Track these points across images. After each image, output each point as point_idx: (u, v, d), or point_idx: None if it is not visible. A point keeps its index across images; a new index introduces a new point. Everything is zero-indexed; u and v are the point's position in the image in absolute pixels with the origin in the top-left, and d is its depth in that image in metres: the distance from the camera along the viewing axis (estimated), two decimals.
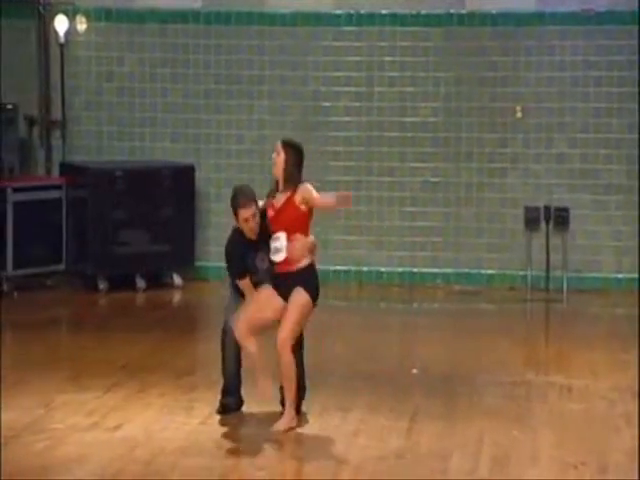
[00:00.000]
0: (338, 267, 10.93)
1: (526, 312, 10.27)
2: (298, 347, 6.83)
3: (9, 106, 10.55)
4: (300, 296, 6.73)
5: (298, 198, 6.73)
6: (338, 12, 10.89)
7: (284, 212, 6.74)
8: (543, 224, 10.61)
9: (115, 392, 7.28)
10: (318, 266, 10.71)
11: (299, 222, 6.76)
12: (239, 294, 6.91)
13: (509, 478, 5.91)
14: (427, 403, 7.19)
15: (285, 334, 6.62)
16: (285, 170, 6.80)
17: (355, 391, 7.36)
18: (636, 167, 10.50)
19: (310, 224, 6.84)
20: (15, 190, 10.17)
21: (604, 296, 10.42)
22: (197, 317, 10.32)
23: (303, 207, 6.74)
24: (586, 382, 7.65)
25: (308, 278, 6.79)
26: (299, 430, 6.64)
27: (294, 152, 6.87)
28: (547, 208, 10.60)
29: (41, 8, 10.92)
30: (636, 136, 10.49)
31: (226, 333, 6.89)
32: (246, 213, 6.80)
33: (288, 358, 6.59)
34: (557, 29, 10.60)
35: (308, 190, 6.73)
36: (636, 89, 10.48)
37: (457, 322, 9.79)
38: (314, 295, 6.80)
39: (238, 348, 6.81)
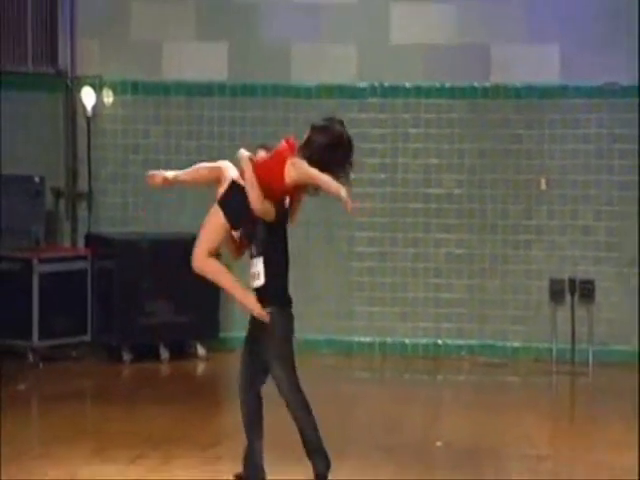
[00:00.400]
0: (362, 338, 10.97)
1: (551, 385, 10.27)
2: (306, 412, 6.35)
3: (36, 179, 10.69)
4: (214, 216, 6.24)
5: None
6: (362, 84, 11.06)
7: None
8: (568, 296, 10.65)
9: (139, 464, 7.31)
10: (342, 337, 10.91)
11: None
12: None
13: None
14: (452, 476, 7.19)
15: (196, 249, 6.17)
16: None
17: (378, 463, 7.38)
18: None
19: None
20: (41, 261, 10.29)
21: (630, 369, 10.41)
22: (221, 388, 10.38)
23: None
24: (611, 457, 7.67)
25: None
26: None
27: None
28: (572, 280, 10.66)
29: (69, 81, 11.12)
30: None
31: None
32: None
33: (210, 267, 6.13)
34: (581, 102, 10.71)
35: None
36: None
37: (482, 395, 9.79)
38: (286, 337, 6.24)
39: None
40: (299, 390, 6.32)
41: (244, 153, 6.40)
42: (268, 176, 6.19)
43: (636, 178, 10.64)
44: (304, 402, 6.31)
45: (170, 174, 6.55)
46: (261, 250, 6.27)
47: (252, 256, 6.31)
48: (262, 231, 6.29)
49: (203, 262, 6.25)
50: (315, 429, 6.31)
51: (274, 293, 6.30)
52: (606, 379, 10.13)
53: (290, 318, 6.36)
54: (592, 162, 10.73)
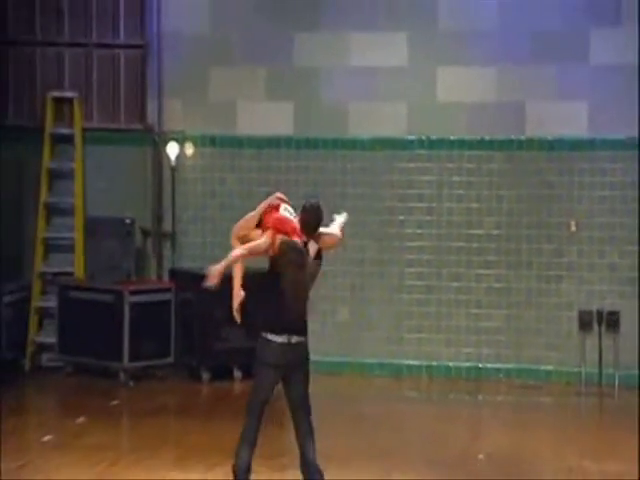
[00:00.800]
0: (411, 362, 10.93)
1: (580, 406, 10.18)
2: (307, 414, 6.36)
3: (127, 220, 10.82)
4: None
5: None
6: (411, 137, 11.06)
7: None
8: (596, 326, 10.57)
9: (216, 472, 7.36)
10: (392, 360, 10.84)
11: None
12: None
13: None
14: None
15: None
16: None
17: (425, 475, 7.36)
18: None
19: None
20: (131, 293, 10.38)
21: None
22: (285, 405, 10.39)
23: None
24: (633, 468, 7.60)
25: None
26: None
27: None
28: (599, 312, 10.58)
29: (156, 136, 11.22)
30: None
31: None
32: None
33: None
34: (608, 154, 10.65)
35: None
36: None
37: (518, 413, 9.75)
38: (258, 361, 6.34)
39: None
40: (247, 412, 6.37)
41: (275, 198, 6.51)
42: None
43: None
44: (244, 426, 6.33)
45: (221, 266, 6.56)
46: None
47: None
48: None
49: (234, 242, 6.39)
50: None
51: (264, 320, 6.44)
52: (630, 400, 10.01)
53: (268, 345, 6.40)
54: (617, 207, 10.65)
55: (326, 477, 6.94)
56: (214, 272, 6.47)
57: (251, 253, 6.51)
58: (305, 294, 6.50)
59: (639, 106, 10.42)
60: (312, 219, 6.49)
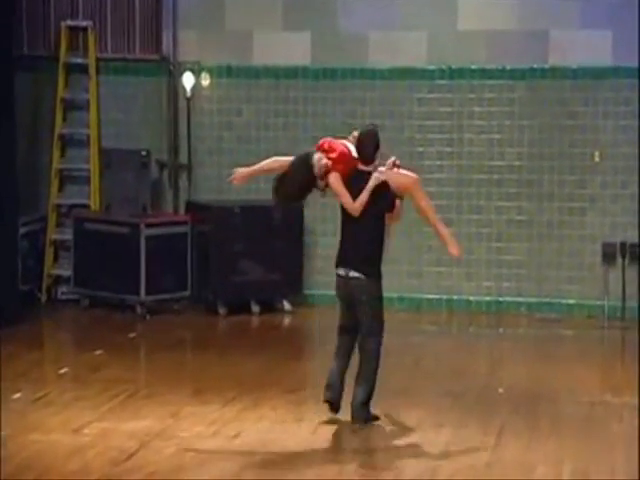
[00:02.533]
0: (430, 295, 10.89)
1: (603, 339, 10.11)
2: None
3: (143, 152, 10.74)
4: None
5: None
6: (431, 67, 10.91)
7: None
8: (619, 258, 10.45)
9: (233, 405, 7.37)
10: (412, 294, 10.85)
11: None
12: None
13: None
14: (512, 420, 7.16)
15: None
16: None
17: (447, 408, 7.36)
18: None
19: None
20: (147, 226, 10.32)
21: None
22: (305, 339, 10.40)
23: None
24: None
25: None
26: (395, 442, 6.66)
27: None
28: (623, 244, 10.44)
29: (171, 67, 11.12)
30: None
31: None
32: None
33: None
34: (632, 82, 10.45)
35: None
36: None
37: (539, 347, 9.70)
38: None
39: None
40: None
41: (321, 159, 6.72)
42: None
43: None
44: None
45: (250, 169, 7.01)
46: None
47: None
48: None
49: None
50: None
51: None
52: None
53: (336, 278, 6.86)
54: None
55: (342, 411, 6.86)
56: (241, 172, 6.87)
57: (281, 165, 6.80)
58: (359, 227, 6.64)
59: None
60: (369, 143, 6.71)
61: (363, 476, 6.04)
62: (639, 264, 10.45)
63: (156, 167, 11.06)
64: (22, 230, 10.44)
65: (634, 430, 6.96)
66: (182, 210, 11.07)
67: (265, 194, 11.20)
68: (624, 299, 10.45)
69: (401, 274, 10.93)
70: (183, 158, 11.19)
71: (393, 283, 10.75)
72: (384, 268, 10.89)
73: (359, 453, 6.43)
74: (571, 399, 7.72)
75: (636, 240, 10.45)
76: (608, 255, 10.47)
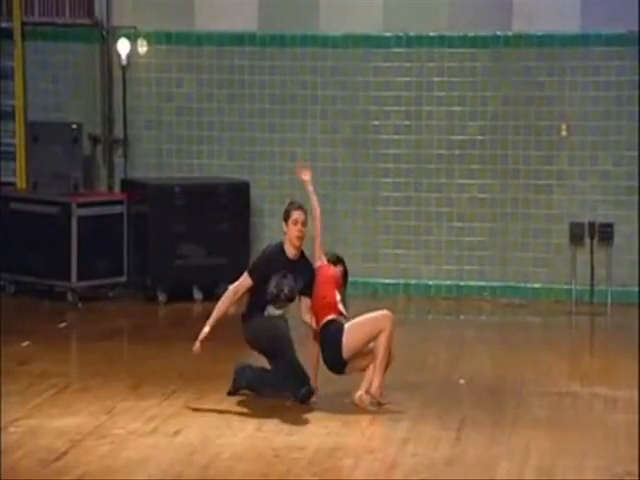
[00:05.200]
0: (387, 280, 10.93)
1: (571, 325, 10.20)
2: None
3: (74, 126, 10.67)
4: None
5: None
6: (388, 34, 10.90)
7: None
8: (588, 239, 10.53)
9: (173, 399, 7.34)
10: (367, 279, 10.87)
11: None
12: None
13: None
14: (474, 413, 7.18)
15: None
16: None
17: (404, 400, 7.36)
18: None
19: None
20: (79, 205, 10.25)
21: None
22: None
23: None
24: (630, 393, 7.59)
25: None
26: (350, 437, 6.66)
27: None
28: (591, 224, 10.52)
29: (104, 32, 11.04)
30: None
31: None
32: (299, 216, 7.32)
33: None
34: (602, 50, 10.53)
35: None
36: None
37: (503, 334, 9.75)
38: None
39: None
40: None
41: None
42: None
43: None
44: None
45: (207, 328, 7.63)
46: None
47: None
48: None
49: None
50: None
51: None
52: (624, 319, 10.04)
53: None
54: (612, 109, 10.58)
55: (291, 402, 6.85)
56: (203, 335, 7.56)
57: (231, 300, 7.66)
58: None
59: None
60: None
61: (314, 475, 6.02)
62: (608, 245, 10.55)
63: (88, 142, 11.01)
64: None
65: (604, 422, 7.01)
66: (117, 188, 11.01)
67: (208, 170, 11.20)
68: (593, 282, 10.54)
69: (355, 257, 10.89)
70: (118, 132, 11.11)
71: (347, 266, 10.78)
72: (335, 250, 10.92)
73: (308, 450, 6.41)
74: (537, 390, 7.74)
75: (606, 220, 10.53)
76: (576, 236, 10.55)
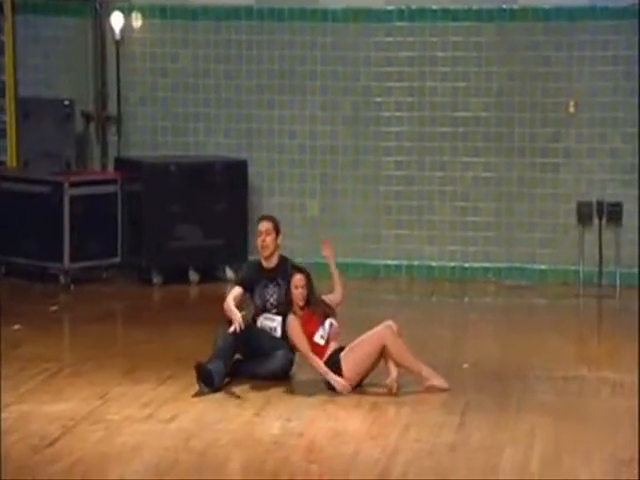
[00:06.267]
0: (389, 261, 10.92)
1: (579, 308, 10.20)
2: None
3: (66, 102, 10.66)
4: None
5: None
6: (390, 8, 10.87)
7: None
8: (596, 219, 10.52)
9: (169, 384, 7.35)
10: (368, 260, 10.89)
11: None
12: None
13: (561, 473, 5.89)
14: (478, 398, 7.19)
15: None
16: None
17: (406, 385, 7.35)
18: None
19: None
20: (71, 185, 10.23)
21: None
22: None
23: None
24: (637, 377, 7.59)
25: None
26: (351, 423, 6.67)
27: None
28: (600, 203, 10.51)
29: (97, 5, 11.02)
30: None
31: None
32: (261, 226, 7.54)
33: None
34: (611, 24, 10.49)
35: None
36: None
37: (509, 317, 9.77)
38: None
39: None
40: None
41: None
42: None
43: None
44: None
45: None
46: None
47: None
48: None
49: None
50: None
51: None
52: (632, 301, 10.01)
53: None
54: (621, 84, 10.55)
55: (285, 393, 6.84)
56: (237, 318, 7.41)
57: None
58: None
59: None
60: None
61: (313, 462, 6.02)
62: (617, 225, 10.54)
63: (81, 119, 10.99)
64: None
65: (611, 408, 7.02)
66: (111, 167, 11.01)
67: (204, 149, 11.20)
68: (601, 263, 10.53)
69: (356, 238, 10.96)
70: (112, 109, 11.11)
71: (347, 248, 10.82)
72: (337, 231, 10.95)
73: (308, 436, 6.41)
74: (543, 374, 7.75)
75: (614, 199, 10.52)
76: (584, 215, 10.54)
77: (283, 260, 7.63)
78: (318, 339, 7.25)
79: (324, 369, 7.13)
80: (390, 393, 7.13)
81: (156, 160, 10.80)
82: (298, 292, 7.32)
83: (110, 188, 10.47)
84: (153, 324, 9.10)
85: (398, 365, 7.16)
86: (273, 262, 7.59)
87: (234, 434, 6.42)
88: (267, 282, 7.53)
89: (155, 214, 10.41)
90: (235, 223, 10.66)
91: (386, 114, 10.92)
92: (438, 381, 7.22)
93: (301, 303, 7.31)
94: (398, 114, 10.85)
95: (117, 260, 10.52)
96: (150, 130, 11.09)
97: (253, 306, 7.62)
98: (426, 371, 7.22)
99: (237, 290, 7.58)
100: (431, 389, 7.18)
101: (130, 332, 9.01)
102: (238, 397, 7.09)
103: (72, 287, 10.16)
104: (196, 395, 7.10)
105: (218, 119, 11.08)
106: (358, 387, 7.19)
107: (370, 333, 7.27)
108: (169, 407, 6.88)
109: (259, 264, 7.64)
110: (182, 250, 10.47)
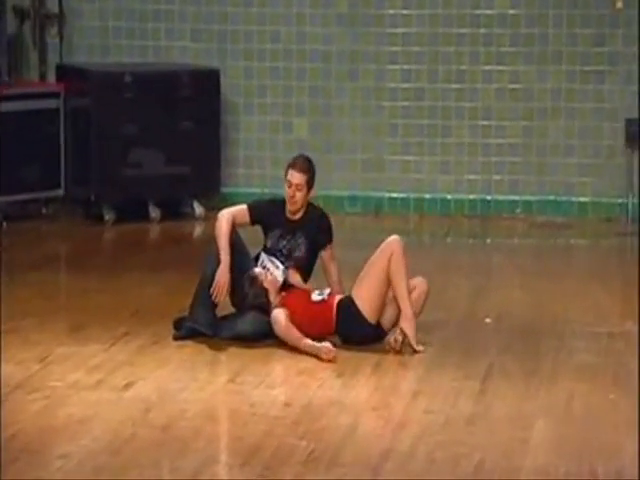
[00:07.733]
0: (394, 194, 11.00)
1: (625, 249, 10.28)
2: None
3: None
4: None
5: None
6: None
7: None
8: None
9: (125, 344, 7.40)
10: (369, 192, 10.93)
11: None
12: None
13: (604, 451, 5.93)
14: (503, 359, 7.24)
15: None
16: None
17: (417, 341, 7.38)
18: None
19: None
20: (3, 98, 10.28)
21: None
22: None
23: None
24: None
25: None
26: (348, 391, 6.71)
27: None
28: None
29: None
30: None
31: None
32: (292, 177, 7.40)
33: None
34: None
35: None
36: None
37: (540, 261, 9.85)
38: None
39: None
40: None
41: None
42: None
43: None
44: None
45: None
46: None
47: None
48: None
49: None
50: None
51: None
52: None
53: None
54: None
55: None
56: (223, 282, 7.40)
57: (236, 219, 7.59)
58: None
59: None
60: None
61: (301, 438, 6.06)
62: None
63: (14, 17, 11.02)
64: None
65: None
66: (51, 77, 11.03)
67: (167, 55, 11.16)
68: None
69: (354, 165, 11.02)
70: (52, 5, 11.10)
71: (344, 177, 10.90)
72: (331, 157, 10.94)
73: (295, 407, 6.46)
74: (582, 330, 7.80)
75: None
76: (633, 136, 10.60)
77: (309, 210, 7.58)
78: (316, 297, 7.27)
79: (310, 344, 7.16)
80: (395, 351, 7.16)
81: (107, 68, 10.83)
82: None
83: (51, 103, 10.51)
84: (104, 271, 9.16)
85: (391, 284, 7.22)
86: (298, 215, 7.58)
87: (204, 404, 6.47)
88: (284, 233, 7.51)
89: (106, 135, 10.44)
90: (204, 146, 10.70)
91: (390, 12, 10.94)
92: (414, 341, 7.21)
93: (291, 207, 7.39)
94: (405, 12, 10.87)
95: (60, 192, 10.58)
96: (99, 31, 11.11)
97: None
98: (409, 321, 7.19)
99: (242, 213, 7.49)
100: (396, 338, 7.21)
101: (76, 281, 9.06)
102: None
103: (4, 225, 10.21)
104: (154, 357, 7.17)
105: (183, 18, 11.07)
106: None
107: (376, 254, 7.29)
108: (124, 372, 6.92)
109: (284, 207, 7.55)
110: (139, 180, 10.51)
